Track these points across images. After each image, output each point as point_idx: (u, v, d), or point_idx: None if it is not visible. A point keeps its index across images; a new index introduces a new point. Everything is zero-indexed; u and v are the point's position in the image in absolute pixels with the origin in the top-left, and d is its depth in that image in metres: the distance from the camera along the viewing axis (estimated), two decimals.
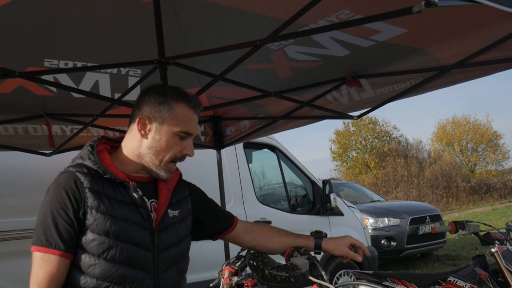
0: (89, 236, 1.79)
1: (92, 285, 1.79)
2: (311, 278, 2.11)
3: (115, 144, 2.07)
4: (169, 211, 2.00)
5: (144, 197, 1.93)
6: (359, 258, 2.31)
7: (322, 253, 2.35)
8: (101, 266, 1.79)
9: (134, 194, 1.88)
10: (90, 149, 1.93)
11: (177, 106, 1.94)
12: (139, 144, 1.96)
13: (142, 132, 1.94)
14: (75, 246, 1.80)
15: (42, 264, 1.76)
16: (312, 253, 2.27)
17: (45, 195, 1.87)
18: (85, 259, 1.80)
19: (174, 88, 2.02)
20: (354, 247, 2.34)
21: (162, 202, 1.99)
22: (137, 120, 1.94)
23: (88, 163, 1.88)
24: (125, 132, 2.06)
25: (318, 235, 2.34)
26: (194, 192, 2.22)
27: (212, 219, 2.26)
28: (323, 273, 2.10)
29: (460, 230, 3.76)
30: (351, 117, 3.97)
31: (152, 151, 1.94)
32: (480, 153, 33.39)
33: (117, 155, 2.00)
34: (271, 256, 2.25)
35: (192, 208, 2.16)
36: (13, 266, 4.08)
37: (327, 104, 3.80)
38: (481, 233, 3.76)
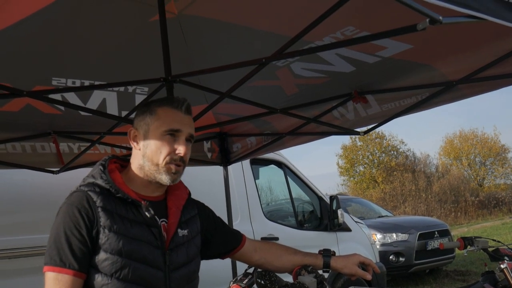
0: (101, 256, 1.80)
1: None
2: None
3: (124, 163, 2.08)
4: (179, 230, 2.00)
5: (156, 216, 1.92)
6: (368, 277, 2.30)
7: (329, 271, 2.34)
8: (114, 286, 1.79)
9: (146, 213, 1.89)
10: (102, 168, 1.94)
11: (159, 109, 1.97)
12: (138, 157, 1.98)
13: (135, 144, 1.98)
14: (88, 265, 1.80)
15: (56, 283, 1.75)
16: (320, 271, 2.27)
17: (56, 214, 1.87)
18: (98, 278, 1.79)
19: (160, 98, 2.08)
20: (363, 264, 2.32)
21: (172, 221, 1.99)
22: (128, 134, 2.00)
23: (100, 182, 1.88)
24: (131, 149, 2.08)
25: (327, 253, 2.34)
26: (203, 211, 2.22)
27: (220, 238, 2.26)
28: None
29: (469, 246, 3.73)
30: (358, 133, 3.97)
31: (147, 158, 1.94)
32: (488, 167, 33.21)
33: (126, 173, 2.01)
34: (278, 274, 2.24)
35: (201, 227, 2.15)
36: (21, 284, 4.07)
37: (333, 120, 3.80)
38: (490, 249, 3.72)
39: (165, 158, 1.92)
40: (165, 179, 1.94)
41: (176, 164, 1.94)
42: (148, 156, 1.94)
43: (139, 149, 1.97)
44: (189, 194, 2.16)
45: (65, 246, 1.77)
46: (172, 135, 1.94)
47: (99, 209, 1.82)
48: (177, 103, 1.97)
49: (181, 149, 1.94)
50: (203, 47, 2.86)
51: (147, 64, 2.86)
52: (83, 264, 1.78)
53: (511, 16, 1.55)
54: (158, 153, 1.92)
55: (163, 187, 2.03)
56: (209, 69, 2.58)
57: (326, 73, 3.08)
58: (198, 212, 2.18)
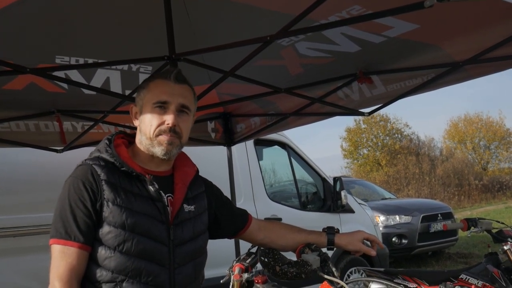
0: (105, 229, 1.81)
1: (107, 278, 1.80)
2: (321, 274, 2.11)
3: (132, 139, 2.09)
4: (185, 206, 2.01)
5: (161, 191, 1.93)
6: (373, 253, 2.30)
7: (333, 250, 2.35)
8: (117, 259, 1.80)
9: (151, 187, 1.90)
10: (108, 142, 1.96)
11: (151, 83, 2.00)
12: (138, 132, 2.02)
13: (135, 119, 2.03)
14: (93, 238, 1.81)
15: (62, 256, 1.76)
16: (324, 249, 2.27)
17: (62, 188, 1.88)
18: (101, 251, 1.80)
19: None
20: (367, 241, 2.33)
21: (178, 196, 2.00)
22: (130, 112, 2.05)
23: (105, 155, 1.90)
24: (135, 128, 2.08)
25: (331, 231, 2.34)
26: (210, 189, 2.23)
27: (228, 217, 2.27)
28: (333, 269, 2.10)
29: (472, 228, 3.73)
30: (362, 114, 3.95)
31: (143, 133, 1.97)
32: (493, 150, 33.19)
33: (132, 149, 2.03)
34: (282, 252, 2.25)
35: (208, 205, 2.16)
36: (27, 261, 4.12)
37: (338, 101, 3.78)
38: (494, 231, 3.73)
39: (155, 131, 1.93)
40: (158, 151, 1.94)
41: (167, 136, 1.93)
42: (143, 130, 1.97)
43: (138, 124, 2.01)
44: (197, 171, 2.16)
45: (70, 218, 1.78)
46: (161, 107, 1.94)
47: (103, 182, 1.83)
48: (166, 73, 1.98)
49: (168, 119, 1.92)
50: (207, 26, 2.84)
51: (151, 43, 2.84)
52: (88, 237, 1.79)
53: None
54: (149, 126, 1.94)
55: (168, 162, 2.03)
56: (214, 47, 2.56)
57: (331, 53, 3.06)
58: (206, 189, 2.19)
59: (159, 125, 1.92)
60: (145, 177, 1.91)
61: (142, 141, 1.98)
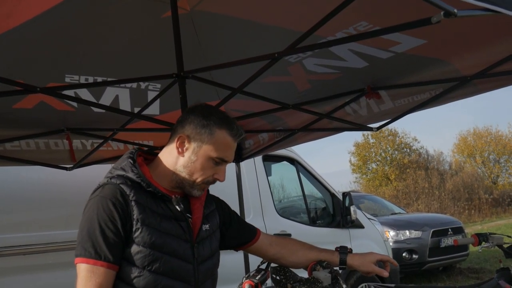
0: (134, 248, 1.83)
1: None
2: None
3: (148, 156, 2.10)
4: (203, 225, 2.05)
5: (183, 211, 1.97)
6: (385, 274, 2.27)
7: (345, 269, 2.34)
8: (146, 278, 1.83)
9: (177, 207, 1.94)
10: (132, 161, 1.95)
11: (218, 131, 1.96)
12: (175, 161, 1.99)
13: (180, 149, 1.97)
14: (121, 257, 1.83)
15: (91, 276, 1.77)
16: (336, 268, 2.26)
17: (86, 207, 1.90)
18: (130, 271, 1.83)
19: (220, 112, 2.05)
20: (380, 261, 2.31)
21: (197, 216, 2.04)
22: (177, 137, 1.97)
23: (131, 175, 1.90)
24: (144, 145, 2.10)
25: (343, 250, 2.33)
26: (219, 205, 2.27)
27: (235, 231, 2.29)
28: (344, 286, 2.08)
29: (483, 243, 3.69)
30: (371, 129, 3.94)
31: (187, 170, 1.97)
32: (503, 164, 32.90)
33: (154, 168, 2.03)
34: (293, 269, 2.24)
35: (219, 221, 2.20)
36: (37, 280, 4.12)
37: (346, 116, 3.79)
38: (505, 245, 3.69)
39: (203, 180, 1.98)
40: (195, 193, 2.02)
41: (209, 185, 2.04)
42: (190, 169, 1.97)
43: (183, 157, 1.98)
44: (208, 190, 2.18)
45: (100, 238, 1.79)
46: (218, 162, 1.98)
47: (133, 203, 1.85)
48: (236, 131, 2.00)
49: (221, 176, 2.01)
50: (215, 43, 2.86)
51: (159, 61, 2.87)
52: (117, 257, 1.81)
53: None
54: (200, 173, 1.97)
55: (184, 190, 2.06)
56: (221, 64, 2.58)
57: (338, 68, 3.07)
58: (216, 206, 2.23)
59: (209, 176, 1.99)
60: (170, 198, 1.94)
61: (180, 173, 1.98)
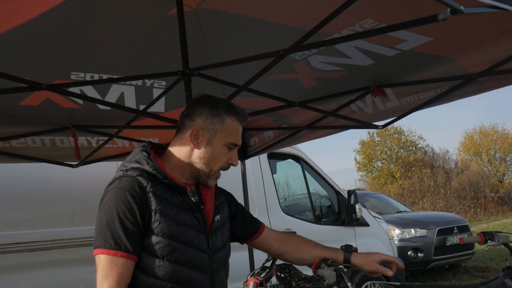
0: (153, 239, 1.87)
1: (156, 286, 1.88)
2: None
3: (157, 150, 2.14)
4: (215, 215, 2.11)
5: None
6: (390, 273, 2.27)
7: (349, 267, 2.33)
8: (166, 268, 1.88)
9: (192, 198, 2.00)
10: (146, 154, 2.00)
11: (228, 118, 2.04)
12: (189, 153, 2.04)
13: (195, 142, 2.03)
14: (140, 248, 1.87)
15: (112, 266, 1.80)
16: (340, 266, 2.26)
17: (102, 199, 1.93)
18: (149, 261, 1.87)
19: (223, 100, 2.14)
20: (385, 262, 2.31)
21: (209, 207, 2.10)
22: (190, 131, 2.03)
23: (147, 167, 1.95)
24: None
25: (348, 249, 2.34)
26: (228, 197, 2.32)
27: (240, 222, 2.34)
28: (349, 284, 2.08)
29: (489, 241, 3.68)
30: (376, 127, 3.93)
31: (203, 161, 2.03)
32: (509, 162, 32.82)
33: (167, 160, 2.07)
34: (297, 267, 2.24)
35: (228, 212, 2.26)
36: (43, 277, 4.13)
37: (351, 114, 3.78)
38: (511, 244, 3.68)
39: (220, 167, 2.06)
40: (211, 183, 2.09)
41: (222, 171, 2.10)
42: (206, 160, 2.03)
43: (198, 149, 2.03)
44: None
45: (119, 229, 1.82)
46: (231, 148, 2.06)
47: (150, 194, 1.89)
48: (242, 116, 2.09)
49: (235, 161, 2.09)
50: (220, 41, 2.86)
51: (165, 58, 2.87)
52: (136, 247, 1.84)
53: None
54: (217, 161, 2.05)
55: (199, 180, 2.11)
56: (227, 62, 2.58)
57: (344, 66, 3.06)
58: (225, 198, 2.28)
59: (224, 162, 2.07)
60: (185, 189, 2.00)
61: (196, 163, 2.04)
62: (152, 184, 1.91)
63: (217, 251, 2.06)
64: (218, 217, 2.13)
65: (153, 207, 1.88)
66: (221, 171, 2.09)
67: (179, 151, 2.06)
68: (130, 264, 1.83)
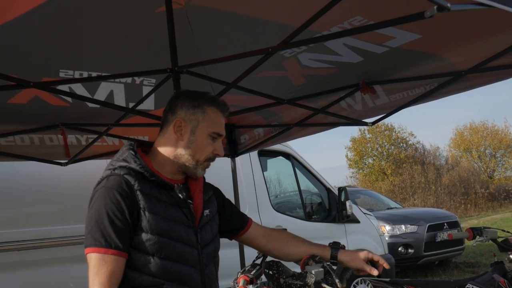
0: (143, 236, 1.89)
1: (148, 283, 1.90)
2: (325, 286, 2.10)
3: (144, 147, 2.16)
4: (204, 210, 2.13)
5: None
6: (375, 272, 2.26)
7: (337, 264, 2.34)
8: (156, 264, 1.90)
9: (180, 195, 2.03)
10: (133, 152, 2.02)
11: (209, 109, 2.07)
12: (175, 147, 2.06)
13: (178, 134, 2.05)
14: (129, 245, 1.88)
15: (103, 263, 1.82)
16: (327, 263, 2.26)
17: (91, 199, 1.95)
18: (140, 258, 1.89)
19: (204, 93, 2.16)
20: (372, 261, 2.30)
21: (198, 202, 2.12)
22: (172, 123, 2.05)
23: (134, 166, 1.97)
24: (139, 141, 2.12)
25: (335, 246, 2.35)
26: (215, 191, 2.34)
27: (227, 216, 2.35)
28: (337, 281, 2.09)
29: (478, 237, 3.71)
30: (366, 124, 3.94)
31: (188, 152, 2.05)
32: (499, 159, 33.00)
33: (153, 157, 2.09)
34: (286, 264, 2.24)
35: (217, 206, 2.28)
36: (32, 276, 4.11)
37: (341, 111, 3.79)
38: (499, 239, 3.70)
39: (205, 157, 2.07)
40: (199, 173, 2.10)
41: (210, 162, 2.12)
42: (191, 150, 2.05)
43: (182, 140, 2.05)
44: (204, 177, 2.26)
45: (109, 227, 1.84)
46: (215, 137, 2.07)
47: (138, 192, 1.91)
48: (223, 107, 2.13)
49: (220, 151, 2.11)
50: (210, 38, 2.85)
51: (154, 56, 2.86)
52: (126, 245, 1.87)
53: None
54: (202, 151, 2.06)
55: (186, 173, 2.13)
56: (216, 59, 2.58)
57: (333, 63, 3.07)
58: (213, 192, 2.30)
59: (210, 153, 2.08)
60: (172, 186, 2.02)
61: (181, 156, 2.06)
62: (140, 182, 1.93)
63: (206, 245, 2.08)
64: (207, 211, 2.15)
65: (141, 205, 1.90)
66: (209, 163, 2.11)
67: (164, 146, 2.08)
68: (121, 261, 1.85)
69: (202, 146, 2.05)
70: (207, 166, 2.12)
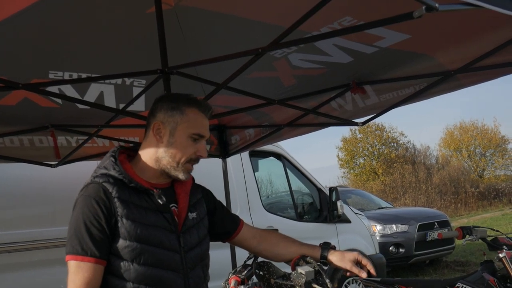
0: (121, 243, 1.91)
1: None
2: (316, 286, 2.11)
3: (131, 152, 2.18)
4: (189, 214, 2.12)
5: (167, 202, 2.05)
6: (363, 275, 2.27)
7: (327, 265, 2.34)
8: (136, 271, 1.92)
9: (159, 200, 2.01)
10: (113, 159, 2.03)
11: (188, 110, 2.07)
12: (156, 149, 2.07)
13: (158, 136, 2.06)
14: (108, 253, 1.91)
15: (79, 271, 1.86)
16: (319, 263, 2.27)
17: (74, 207, 1.98)
18: (120, 264, 1.92)
19: (185, 95, 2.15)
20: (360, 264, 2.31)
21: (182, 206, 2.12)
22: (152, 126, 2.07)
23: (113, 173, 1.98)
24: (130, 142, 2.14)
25: (325, 246, 2.36)
26: (205, 194, 2.34)
27: (219, 219, 2.36)
28: (327, 281, 2.09)
29: (467, 236, 3.73)
30: (356, 124, 3.95)
31: (169, 154, 2.05)
32: (489, 158, 33.24)
33: (136, 163, 2.11)
34: (276, 264, 2.25)
35: (206, 209, 2.28)
36: (19, 278, 4.08)
37: (331, 111, 3.80)
38: (489, 238, 3.73)
39: (186, 159, 2.05)
40: (181, 176, 2.08)
41: (193, 164, 2.10)
42: (171, 152, 2.05)
43: (162, 143, 2.06)
44: (193, 179, 2.27)
45: (85, 235, 1.88)
46: (196, 139, 2.06)
47: (115, 200, 1.93)
48: (205, 108, 2.12)
49: (203, 152, 2.09)
50: (200, 39, 2.85)
51: (144, 56, 2.85)
52: (103, 252, 1.89)
53: (508, 3, 1.53)
54: (182, 152, 2.05)
55: (170, 176, 2.13)
56: (206, 60, 2.58)
57: (324, 64, 3.07)
58: (203, 195, 2.30)
59: (191, 155, 2.07)
60: (153, 192, 2.01)
61: (162, 159, 2.06)
62: (119, 189, 1.95)
63: (190, 249, 2.08)
64: (193, 214, 2.15)
65: (119, 212, 1.92)
66: (192, 165, 2.11)
67: (146, 150, 2.10)
68: (98, 269, 1.88)
69: (182, 148, 2.05)
70: (190, 169, 2.11)
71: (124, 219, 1.91)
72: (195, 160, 2.09)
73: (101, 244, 1.88)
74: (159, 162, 2.06)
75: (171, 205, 2.09)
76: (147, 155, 2.09)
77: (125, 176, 1.98)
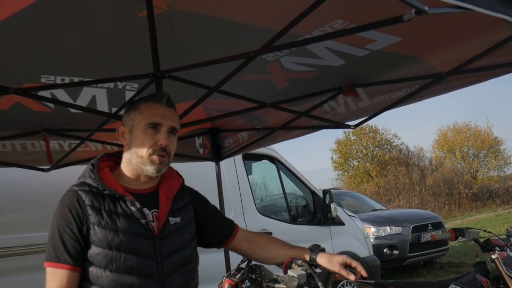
0: (93, 250, 1.94)
1: None
2: None
3: (118, 159, 2.19)
4: (170, 218, 2.11)
5: (145, 208, 2.05)
6: (352, 277, 2.24)
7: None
8: (108, 277, 1.93)
9: (132, 207, 2.00)
10: (91, 167, 2.08)
11: (142, 105, 2.11)
12: (126, 152, 2.12)
13: (123, 139, 2.12)
14: (82, 259, 1.95)
15: (53, 278, 1.92)
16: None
17: (54, 214, 2.02)
18: (93, 271, 1.94)
19: (150, 94, 2.19)
20: (350, 266, 2.29)
21: (163, 211, 2.10)
22: (117, 132, 2.14)
23: (89, 181, 2.02)
24: (122, 146, 2.16)
25: (314, 248, 2.34)
26: (195, 198, 2.32)
27: (214, 224, 2.35)
28: (319, 284, 2.09)
29: (460, 237, 3.75)
30: (349, 126, 3.97)
31: (133, 152, 2.07)
32: (482, 159, 33.39)
33: (117, 170, 2.14)
34: (268, 268, 2.24)
35: (194, 214, 2.25)
36: (14, 283, 4.06)
37: (324, 114, 3.80)
38: (481, 240, 3.75)
39: (148, 150, 2.04)
40: (150, 170, 2.06)
41: (159, 155, 2.05)
42: (133, 149, 2.06)
43: (127, 144, 2.10)
44: (182, 182, 2.26)
45: (59, 243, 1.93)
46: (154, 128, 2.05)
47: (88, 207, 1.96)
48: (158, 97, 2.10)
49: (161, 140, 2.05)
50: (192, 42, 2.85)
51: (137, 60, 2.85)
52: (77, 259, 1.94)
53: (498, 6, 1.55)
54: (142, 145, 2.04)
55: (154, 179, 2.14)
56: (198, 63, 2.58)
57: (316, 67, 3.08)
58: (191, 199, 2.27)
59: (152, 145, 2.04)
60: (126, 198, 2.02)
61: (131, 159, 2.08)
62: (93, 196, 1.98)
63: (169, 255, 2.06)
64: (176, 219, 2.13)
65: (90, 220, 1.95)
66: (159, 156, 2.05)
67: (123, 156, 2.15)
68: (72, 276, 1.93)
69: (140, 141, 2.05)
70: (158, 161, 2.05)
71: (96, 226, 1.94)
72: (159, 150, 2.04)
73: (74, 251, 1.93)
74: (131, 164, 2.09)
75: (152, 211, 2.08)
76: (123, 160, 2.14)
77: (99, 183, 2.00)
